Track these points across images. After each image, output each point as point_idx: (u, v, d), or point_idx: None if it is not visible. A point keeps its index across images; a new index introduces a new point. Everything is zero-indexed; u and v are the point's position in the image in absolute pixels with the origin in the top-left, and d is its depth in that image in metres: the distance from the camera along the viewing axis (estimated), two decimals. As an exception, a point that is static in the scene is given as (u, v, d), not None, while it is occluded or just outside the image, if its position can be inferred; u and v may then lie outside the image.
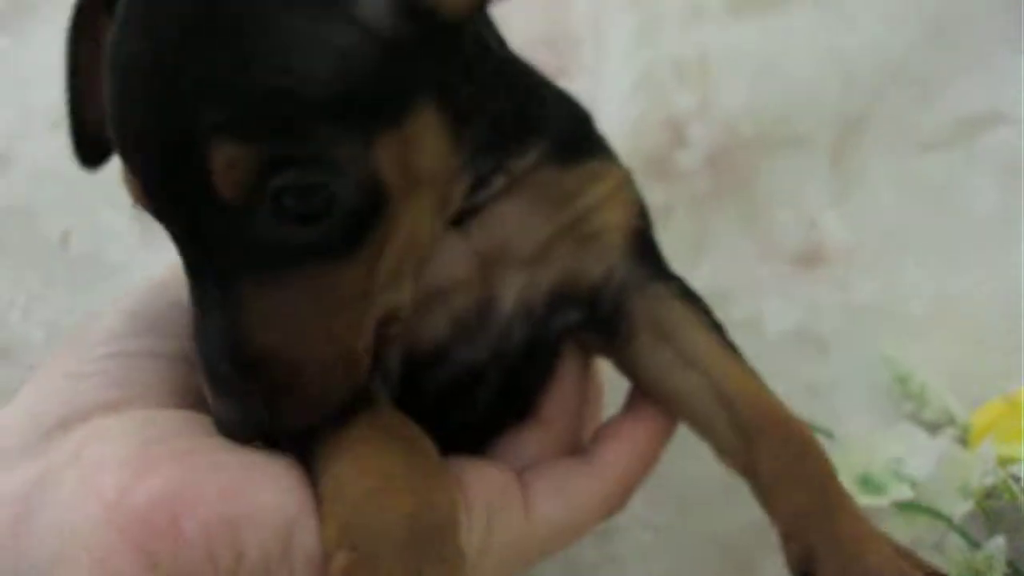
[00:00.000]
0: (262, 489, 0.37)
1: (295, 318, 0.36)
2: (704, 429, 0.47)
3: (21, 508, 0.36)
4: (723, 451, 0.47)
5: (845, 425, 0.65)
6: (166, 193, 0.35)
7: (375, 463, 0.37)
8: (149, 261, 0.78)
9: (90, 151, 0.42)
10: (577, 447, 0.49)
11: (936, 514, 0.61)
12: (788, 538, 0.44)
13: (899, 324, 0.71)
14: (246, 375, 0.36)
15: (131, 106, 0.35)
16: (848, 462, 0.62)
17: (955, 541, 0.60)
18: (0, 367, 0.81)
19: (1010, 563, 0.60)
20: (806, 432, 0.46)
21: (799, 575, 0.44)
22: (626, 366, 0.49)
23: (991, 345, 0.67)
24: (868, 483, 0.62)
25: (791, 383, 0.65)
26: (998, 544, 0.59)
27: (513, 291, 0.45)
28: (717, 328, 0.48)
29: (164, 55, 0.34)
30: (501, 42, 0.45)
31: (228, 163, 0.33)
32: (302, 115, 0.33)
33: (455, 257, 0.44)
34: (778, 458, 0.45)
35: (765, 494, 0.45)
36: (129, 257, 0.79)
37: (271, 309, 0.35)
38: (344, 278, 0.36)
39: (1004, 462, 0.61)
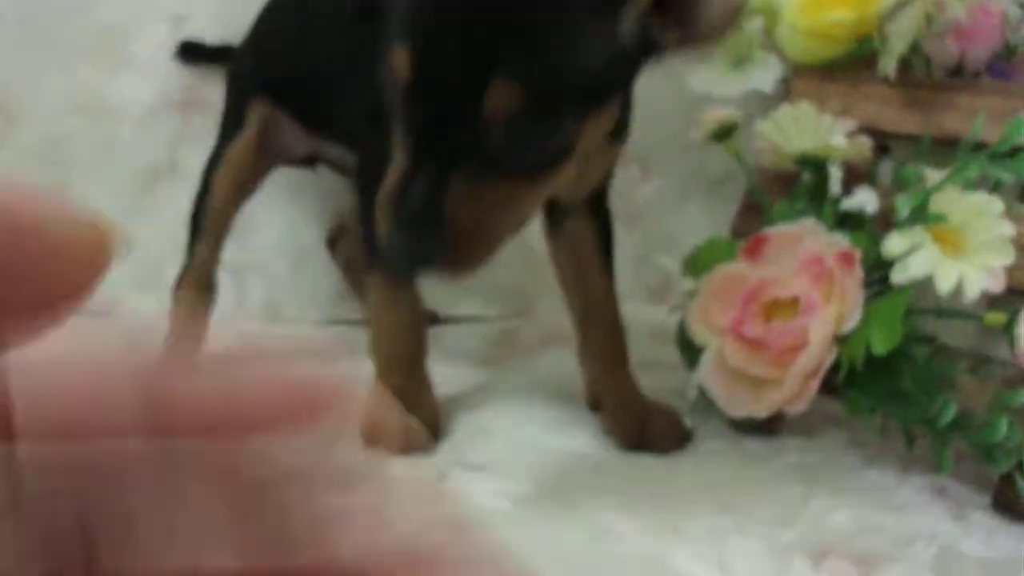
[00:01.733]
0: None
1: (486, 203, 0.51)
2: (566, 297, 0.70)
3: None
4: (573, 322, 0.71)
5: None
6: (437, 82, 0.49)
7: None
8: None
9: (362, 9, 0.55)
10: None
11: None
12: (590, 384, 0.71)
13: None
14: (437, 224, 0.50)
15: (445, 25, 0.49)
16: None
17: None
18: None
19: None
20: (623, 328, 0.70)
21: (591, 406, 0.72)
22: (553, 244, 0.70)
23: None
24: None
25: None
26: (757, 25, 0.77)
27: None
28: (609, 250, 0.69)
29: (489, 8, 0.48)
30: None
31: (501, 92, 0.48)
32: (559, 87, 0.49)
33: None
34: (602, 350, 0.70)
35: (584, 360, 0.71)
36: None
37: (473, 194, 0.50)
38: (527, 191, 0.53)
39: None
